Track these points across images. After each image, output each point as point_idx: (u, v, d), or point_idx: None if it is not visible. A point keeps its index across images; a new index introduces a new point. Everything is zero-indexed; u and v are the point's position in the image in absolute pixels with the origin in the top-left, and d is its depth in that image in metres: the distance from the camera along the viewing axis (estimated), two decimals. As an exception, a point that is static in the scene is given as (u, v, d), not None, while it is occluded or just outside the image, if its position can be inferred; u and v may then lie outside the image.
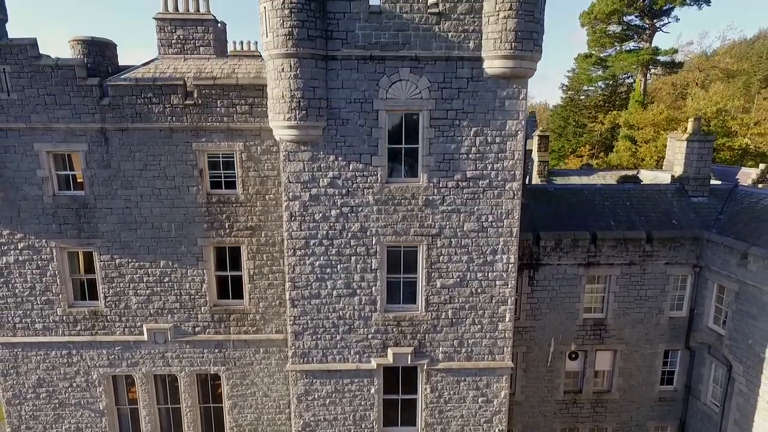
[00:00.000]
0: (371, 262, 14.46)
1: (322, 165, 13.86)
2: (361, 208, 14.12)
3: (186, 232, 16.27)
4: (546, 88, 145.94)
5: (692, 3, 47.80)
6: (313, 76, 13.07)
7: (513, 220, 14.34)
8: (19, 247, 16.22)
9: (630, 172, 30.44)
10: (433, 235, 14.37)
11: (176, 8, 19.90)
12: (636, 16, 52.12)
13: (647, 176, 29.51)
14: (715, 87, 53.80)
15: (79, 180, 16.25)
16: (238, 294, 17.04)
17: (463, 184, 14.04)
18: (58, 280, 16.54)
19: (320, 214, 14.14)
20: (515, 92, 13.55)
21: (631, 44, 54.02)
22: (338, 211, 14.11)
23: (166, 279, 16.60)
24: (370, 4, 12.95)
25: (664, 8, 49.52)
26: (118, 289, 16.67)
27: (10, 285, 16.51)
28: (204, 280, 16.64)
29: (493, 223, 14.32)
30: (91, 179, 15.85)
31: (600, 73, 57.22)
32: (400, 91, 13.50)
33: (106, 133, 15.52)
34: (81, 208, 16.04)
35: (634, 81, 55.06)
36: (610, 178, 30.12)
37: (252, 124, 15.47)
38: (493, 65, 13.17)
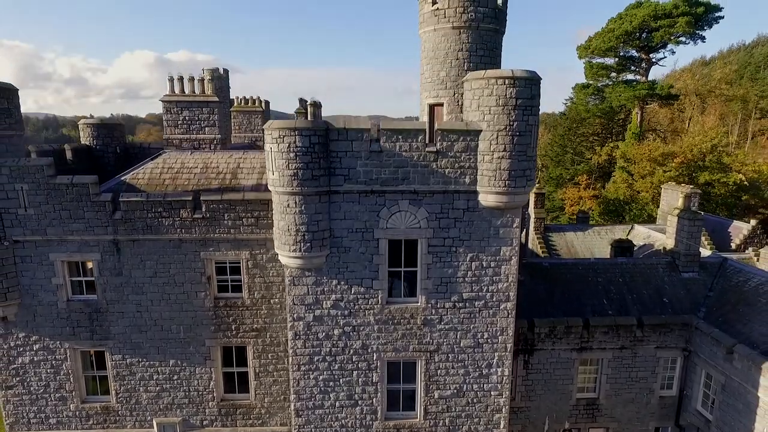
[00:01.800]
0: (372, 375, 15.16)
1: (325, 289, 14.53)
2: (362, 328, 14.80)
3: (194, 334, 16.97)
4: (544, 87, 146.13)
5: (688, 41, 48.43)
6: (317, 211, 13.73)
7: (507, 336, 15.03)
8: (35, 348, 16.94)
9: (624, 230, 31.16)
10: (431, 351, 15.06)
11: (182, 90, 20.77)
12: (634, 49, 52.73)
13: (641, 234, 30.27)
14: (711, 121, 54.53)
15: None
16: (245, 387, 17.77)
17: (460, 305, 14.72)
18: (72, 378, 17.26)
19: (324, 333, 14.82)
20: (509, 221, 14.22)
21: (629, 75, 54.70)
22: (341, 330, 14.80)
23: (175, 377, 17.31)
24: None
25: (660, 43, 50.12)
26: (129, 386, 17.39)
27: (25, 383, 17.23)
28: (212, 377, 17.36)
29: (489, 340, 15.01)
30: (104, 285, 16.53)
31: (597, 103, 57.85)
32: (400, 221, 14.17)
33: (118, 244, 16.20)
34: (94, 312, 16.74)
35: (631, 112, 55.72)
36: (605, 234, 30.86)
37: (258, 234, 16.14)
38: (487, 199, 13.83)
